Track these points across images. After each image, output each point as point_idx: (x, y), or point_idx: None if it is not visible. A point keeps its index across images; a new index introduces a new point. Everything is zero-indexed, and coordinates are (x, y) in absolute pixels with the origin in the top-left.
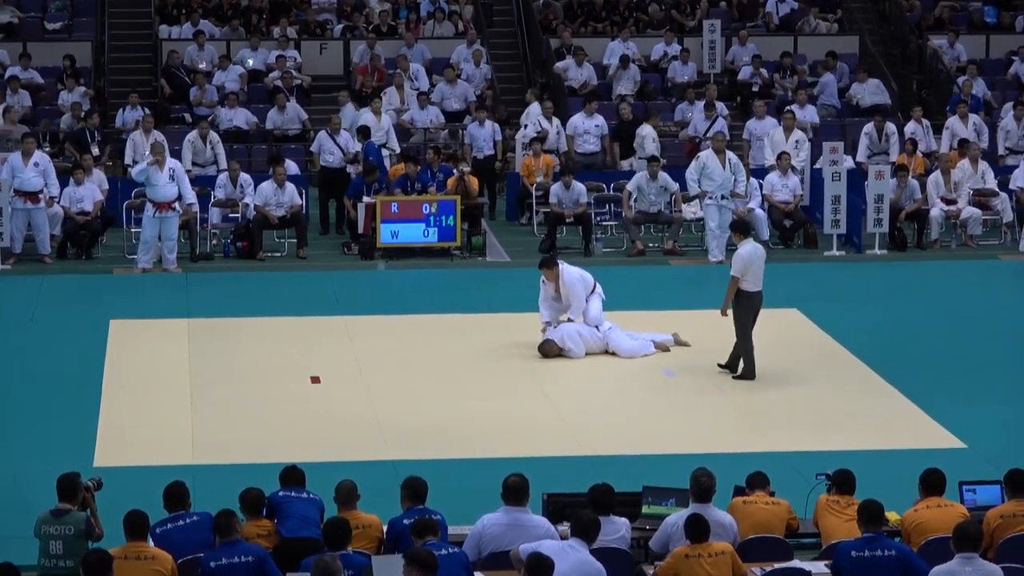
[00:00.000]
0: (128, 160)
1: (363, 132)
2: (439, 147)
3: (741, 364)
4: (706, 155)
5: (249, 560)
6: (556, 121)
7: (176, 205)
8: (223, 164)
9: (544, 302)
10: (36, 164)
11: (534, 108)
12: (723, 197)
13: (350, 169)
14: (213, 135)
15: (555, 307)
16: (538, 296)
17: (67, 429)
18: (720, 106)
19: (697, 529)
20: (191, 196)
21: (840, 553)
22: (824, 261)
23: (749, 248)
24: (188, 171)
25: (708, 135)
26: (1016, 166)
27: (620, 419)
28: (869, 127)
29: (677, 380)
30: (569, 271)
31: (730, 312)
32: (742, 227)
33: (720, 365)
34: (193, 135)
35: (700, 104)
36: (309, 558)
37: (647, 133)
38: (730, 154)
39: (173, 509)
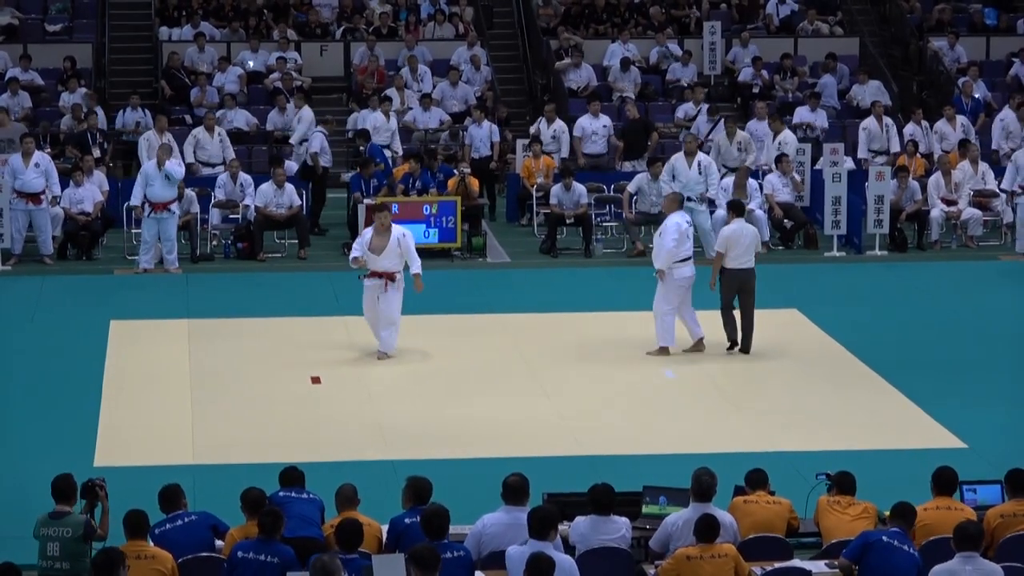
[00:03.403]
0: (143, 159)
1: (363, 135)
2: (438, 148)
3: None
4: (676, 157)
5: (275, 561)
6: (556, 125)
7: (173, 207)
8: (231, 155)
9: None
10: (37, 165)
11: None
12: (689, 199)
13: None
14: (220, 129)
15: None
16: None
17: (67, 429)
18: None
19: (708, 529)
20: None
21: (870, 533)
22: (824, 262)
23: (734, 227)
24: (190, 165)
25: (710, 136)
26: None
27: (620, 419)
28: (867, 122)
29: (677, 380)
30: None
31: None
32: (737, 207)
33: (728, 349)
34: (199, 130)
35: (704, 106)
36: (310, 558)
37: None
38: (702, 156)
39: (168, 510)
